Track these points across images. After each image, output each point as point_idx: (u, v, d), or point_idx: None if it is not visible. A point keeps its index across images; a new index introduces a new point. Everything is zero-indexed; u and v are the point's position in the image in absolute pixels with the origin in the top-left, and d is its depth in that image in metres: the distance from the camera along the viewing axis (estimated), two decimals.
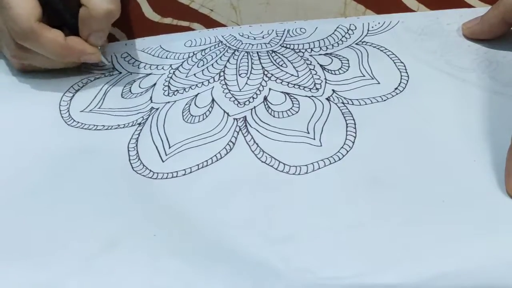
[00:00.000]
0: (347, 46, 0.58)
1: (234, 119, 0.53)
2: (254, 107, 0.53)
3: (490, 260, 0.42)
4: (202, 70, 0.57)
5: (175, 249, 0.45)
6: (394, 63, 0.56)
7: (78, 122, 0.55)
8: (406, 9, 0.61)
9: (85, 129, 0.54)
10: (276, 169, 0.49)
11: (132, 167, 0.51)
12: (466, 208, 0.45)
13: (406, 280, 0.42)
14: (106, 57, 0.59)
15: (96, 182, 0.50)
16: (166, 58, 0.59)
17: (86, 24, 0.55)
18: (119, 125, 0.54)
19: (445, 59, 0.55)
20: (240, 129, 0.52)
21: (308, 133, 0.51)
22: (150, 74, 0.58)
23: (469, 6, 0.60)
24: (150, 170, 0.50)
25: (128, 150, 0.52)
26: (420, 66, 0.55)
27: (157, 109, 0.55)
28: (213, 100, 0.54)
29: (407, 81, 0.54)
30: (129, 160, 0.51)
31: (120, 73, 0.59)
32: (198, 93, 0.55)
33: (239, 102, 0.54)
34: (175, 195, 0.48)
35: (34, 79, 0.59)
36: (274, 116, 0.52)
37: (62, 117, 0.55)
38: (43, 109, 0.56)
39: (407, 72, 0.55)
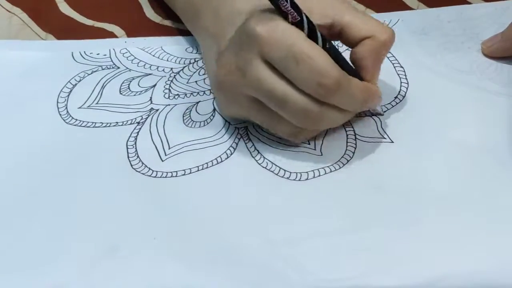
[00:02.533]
0: (347, 49, 0.56)
1: (235, 127, 0.53)
2: None
3: (490, 260, 0.43)
4: (204, 79, 0.57)
5: (175, 251, 0.45)
6: (394, 67, 0.56)
7: (76, 119, 0.55)
8: (406, 7, 0.61)
9: (83, 126, 0.54)
10: (276, 174, 0.49)
11: (131, 165, 0.51)
12: (467, 209, 0.46)
13: (407, 282, 0.43)
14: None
15: (95, 181, 0.50)
16: (167, 61, 0.59)
17: (376, 56, 0.49)
18: (117, 122, 0.54)
19: (445, 62, 0.55)
20: (241, 136, 0.52)
21: (309, 144, 0.51)
22: (150, 74, 0.58)
23: (468, 3, 0.60)
24: (149, 168, 0.50)
25: (127, 148, 0.52)
26: (420, 72, 0.55)
27: (157, 110, 0.55)
28: (214, 109, 0.54)
29: (407, 88, 0.54)
30: (128, 157, 0.51)
31: (118, 68, 0.59)
32: (200, 101, 0.55)
33: None
34: (175, 195, 0.49)
35: (31, 76, 0.58)
36: None
37: (60, 114, 0.55)
38: (41, 107, 0.56)
39: (406, 79, 0.55)
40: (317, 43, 0.46)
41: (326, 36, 0.48)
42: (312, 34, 0.47)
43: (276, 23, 0.46)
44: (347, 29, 0.49)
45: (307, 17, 0.46)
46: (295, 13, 0.46)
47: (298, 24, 0.46)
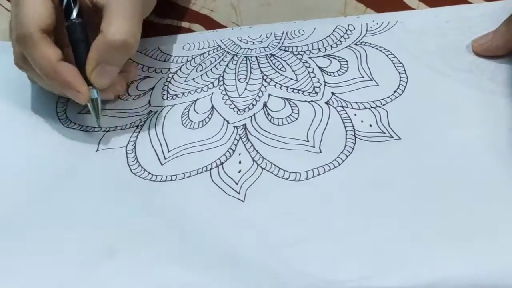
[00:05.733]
0: (346, 47, 0.57)
1: (234, 127, 0.52)
2: (254, 114, 0.53)
3: (491, 262, 0.43)
4: (201, 75, 0.57)
5: (175, 254, 0.45)
6: (393, 63, 0.55)
7: (76, 123, 0.55)
8: (406, 7, 0.60)
9: (82, 130, 0.54)
10: (276, 175, 0.49)
11: (131, 170, 0.51)
12: (467, 209, 0.45)
13: (408, 283, 0.42)
14: (98, 114, 0.52)
15: (95, 185, 0.50)
16: (164, 61, 0.58)
17: (96, 52, 0.50)
18: (116, 127, 0.54)
19: (444, 61, 0.55)
20: (240, 137, 0.52)
21: (308, 141, 0.51)
22: (148, 76, 0.57)
23: (469, 3, 0.60)
24: (149, 173, 0.50)
25: (126, 152, 0.52)
26: (419, 69, 0.55)
27: (155, 112, 0.54)
28: (212, 107, 0.54)
29: (406, 83, 0.54)
30: (127, 162, 0.51)
31: None
32: (197, 99, 0.55)
33: (238, 110, 0.54)
34: (174, 198, 0.48)
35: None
36: (274, 124, 0.52)
37: (59, 119, 0.55)
38: (40, 111, 0.56)
39: (406, 74, 0.54)
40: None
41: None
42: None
43: None
44: (100, 18, 0.51)
45: None
46: None
47: None
